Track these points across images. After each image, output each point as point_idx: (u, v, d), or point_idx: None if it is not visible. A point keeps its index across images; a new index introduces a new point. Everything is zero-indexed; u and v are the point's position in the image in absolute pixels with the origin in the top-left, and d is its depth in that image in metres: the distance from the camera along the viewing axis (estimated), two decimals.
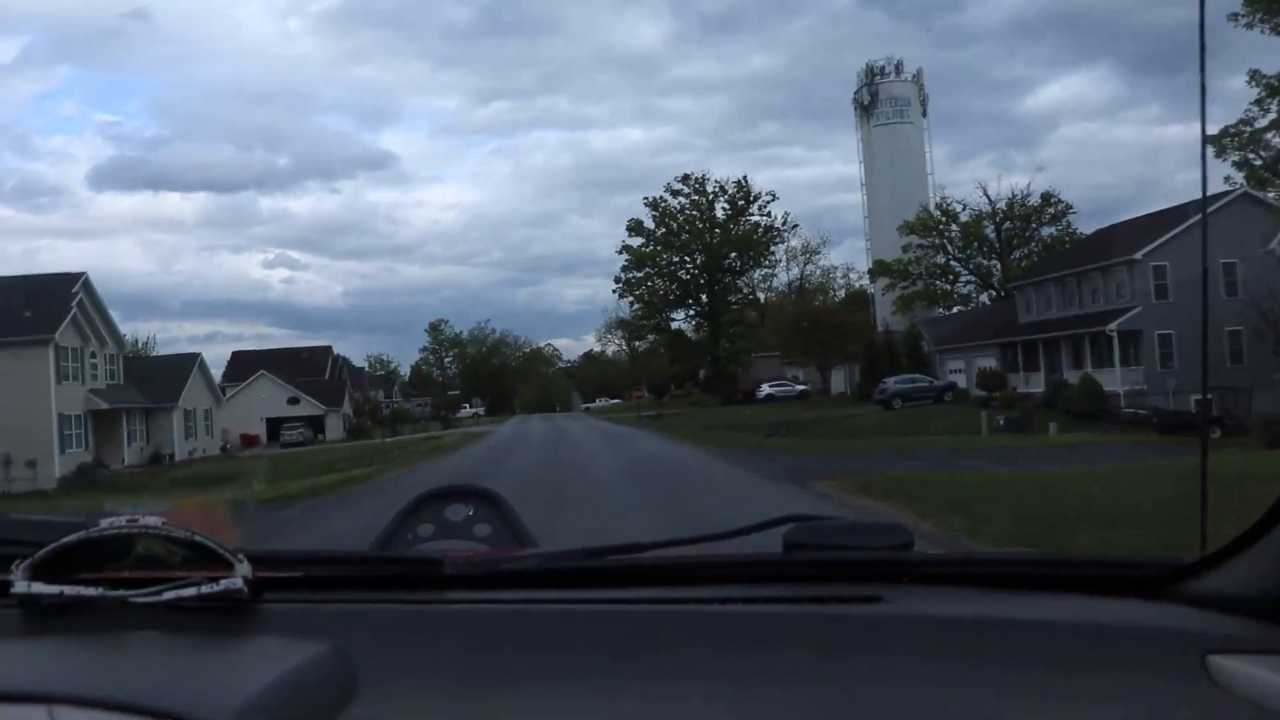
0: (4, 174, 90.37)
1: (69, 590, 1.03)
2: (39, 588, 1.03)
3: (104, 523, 1.06)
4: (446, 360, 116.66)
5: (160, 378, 47.68)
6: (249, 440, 66.28)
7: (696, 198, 76.87)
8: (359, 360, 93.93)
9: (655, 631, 1.03)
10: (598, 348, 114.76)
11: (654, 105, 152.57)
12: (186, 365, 50.50)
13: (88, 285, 42.11)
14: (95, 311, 42.52)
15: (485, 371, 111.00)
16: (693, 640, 1.01)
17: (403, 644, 1.01)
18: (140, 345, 77.57)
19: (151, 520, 1.06)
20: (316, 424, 70.18)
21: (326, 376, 77.81)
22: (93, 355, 42.12)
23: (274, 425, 67.96)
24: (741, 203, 76.48)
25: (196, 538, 1.05)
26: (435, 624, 1.07)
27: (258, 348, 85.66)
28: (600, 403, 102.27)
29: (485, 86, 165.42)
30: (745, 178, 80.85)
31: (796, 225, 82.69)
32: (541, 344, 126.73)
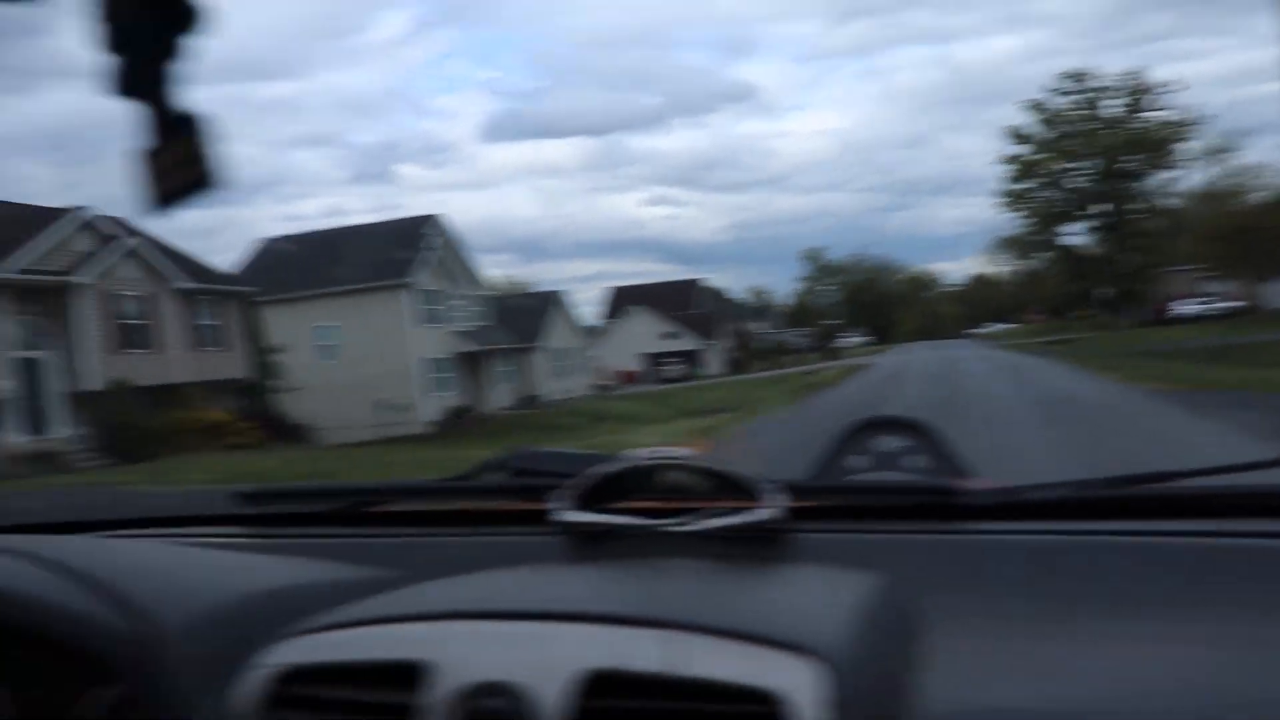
0: (408, 135, 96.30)
1: (604, 519, 1.05)
2: (579, 516, 1.05)
3: (638, 453, 1.07)
4: (826, 289, 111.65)
5: (524, 317, 46.12)
6: (627, 376, 64.92)
7: (1086, 94, 65.81)
8: (738, 292, 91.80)
9: (1207, 565, 0.95)
10: (983, 270, 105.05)
11: (1023, 9, 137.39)
12: (550, 303, 48.78)
13: (440, 227, 40.84)
14: (451, 252, 41.24)
15: (865, 299, 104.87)
16: (1243, 575, 0.92)
17: (951, 575, 0.98)
18: (512, 287, 78.71)
19: (681, 451, 1.08)
20: (694, 358, 67.60)
21: (697, 309, 75.22)
22: (453, 298, 40.88)
23: (652, 361, 66.14)
24: (1139, 97, 64.52)
25: (725, 469, 1.05)
26: (977, 555, 1.02)
27: (634, 283, 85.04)
28: (989, 327, 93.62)
29: (844, 7, 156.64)
30: (1139, 71, 68.46)
31: (1205, 119, 68.96)
32: (920, 269, 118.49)
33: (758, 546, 1.03)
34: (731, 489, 1.04)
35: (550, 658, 0.70)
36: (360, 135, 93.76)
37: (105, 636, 0.79)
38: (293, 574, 0.97)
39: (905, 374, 36.26)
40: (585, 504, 1.06)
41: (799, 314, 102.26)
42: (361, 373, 36.28)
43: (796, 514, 1.04)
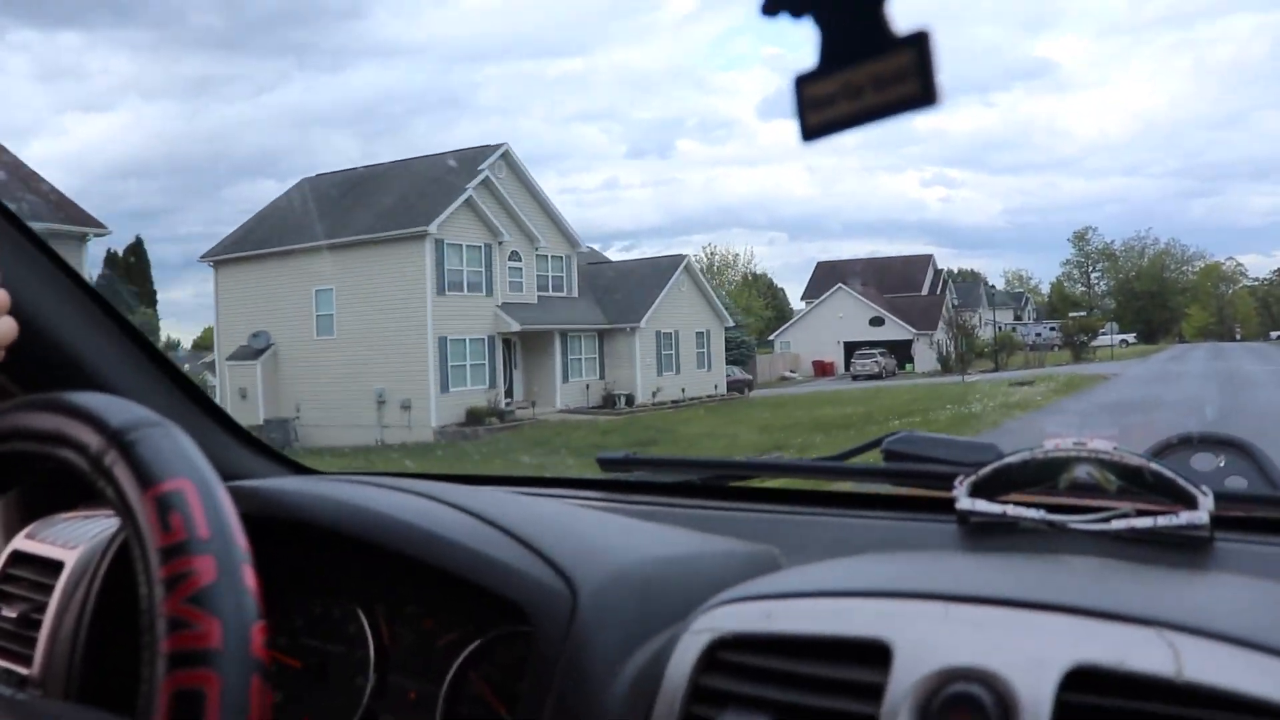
0: (688, 111, 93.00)
1: (1011, 510, 0.99)
2: (981, 505, 1.00)
3: (1048, 444, 1.00)
4: (1093, 275, 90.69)
5: (635, 291, 32.66)
6: (823, 368, 50.33)
7: None
8: (996, 279, 75.08)
9: None
10: None
11: None
12: (670, 271, 34.90)
13: (509, 160, 28.16)
14: (518, 195, 28.73)
15: (1141, 290, 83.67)
16: None
17: None
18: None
19: (1101, 444, 0.99)
20: (903, 350, 51.85)
21: (924, 291, 58.87)
22: (514, 257, 28.04)
23: (847, 352, 51.10)
24: None
25: (1153, 466, 0.97)
26: None
27: (844, 257, 69.76)
28: None
29: None
30: None
31: None
32: (1222, 259, 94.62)
33: (1173, 552, 0.93)
34: (1153, 489, 0.96)
35: (1033, 647, 0.64)
36: (641, 111, 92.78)
37: (521, 585, 0.77)
38: (685, 542, 0.92)
39: (1143, 401, 23.27)
40: (980, 493, 0.99)
41: (1057, 305, 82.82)
42: (359, 353, 24.44)
43: (1218, 522, 0.94)
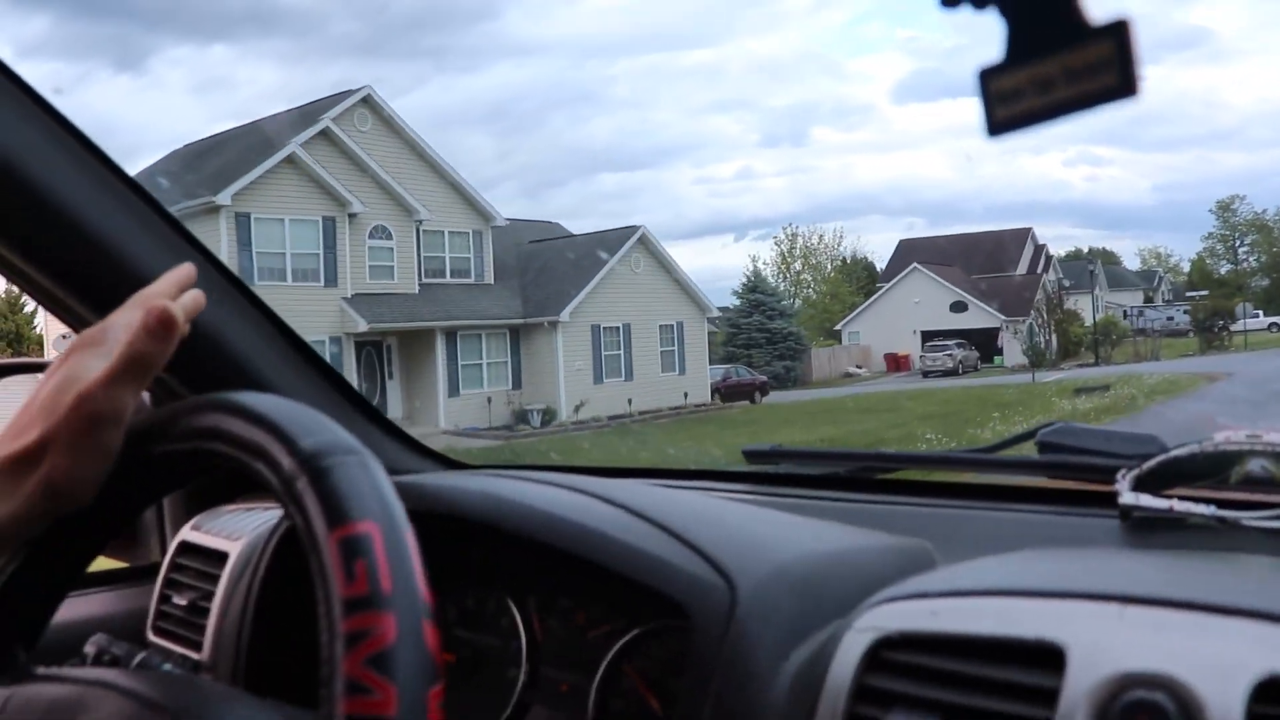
0: (821, 97, 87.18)
1: (1179, 506, 0.93)
2: (1146, 500, 0.95)
3: (1218, 436, 0.95)
4: (1240, 250, 76.85)
5: (564, 269, 24.71)
6: (896, 363, 41.39)
7: None
8: (1130, 258, 63.82)
9: None
10: None
11: None
12: (609, 247, 26.52)
13: (372, 105, 21.02)
14: (382, 150, 21.39)
15: None
16: None
17: None
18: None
19: (1277, 437, 0.94)
20: (987, 341, 42.26)
21: (1021, 270, 48.61)
22: (379, 234, 20.71)
23: (923, 343, 41.93)
24: None
25: None
26: None
27: (932, 234, 60.01)
28: None
29: None
30: None
31: None
32: None
33: None
34: None
35: (1219, 654, 0.60)
36: (773, 99, 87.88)
37: (680, 581, 0.76)
38: (839, 537, 0.88)
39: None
40: (1144, 487, 0.95)
41: (1197, 284, 69.91)
42: None
43: None
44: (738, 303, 42.70)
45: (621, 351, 25.24)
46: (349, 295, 20.92)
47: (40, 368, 1.26)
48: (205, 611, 1.06)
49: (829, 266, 58.25)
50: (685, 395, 26.06)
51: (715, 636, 0.71)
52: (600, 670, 0.87)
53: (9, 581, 0.63)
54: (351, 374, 20.72)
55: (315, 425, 0.56)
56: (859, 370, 42.92)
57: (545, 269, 25.18)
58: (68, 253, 0.98)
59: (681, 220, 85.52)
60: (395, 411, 21.96)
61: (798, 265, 58.52)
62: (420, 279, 22.85)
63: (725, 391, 28.62)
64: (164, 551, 1.25)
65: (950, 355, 39.13)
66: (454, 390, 22.31)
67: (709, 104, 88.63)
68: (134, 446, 0.63)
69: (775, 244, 59.39)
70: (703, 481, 1.23)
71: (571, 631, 0.92)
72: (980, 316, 43.26)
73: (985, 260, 48.94)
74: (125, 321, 0.64)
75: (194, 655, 1.05)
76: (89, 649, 0.83)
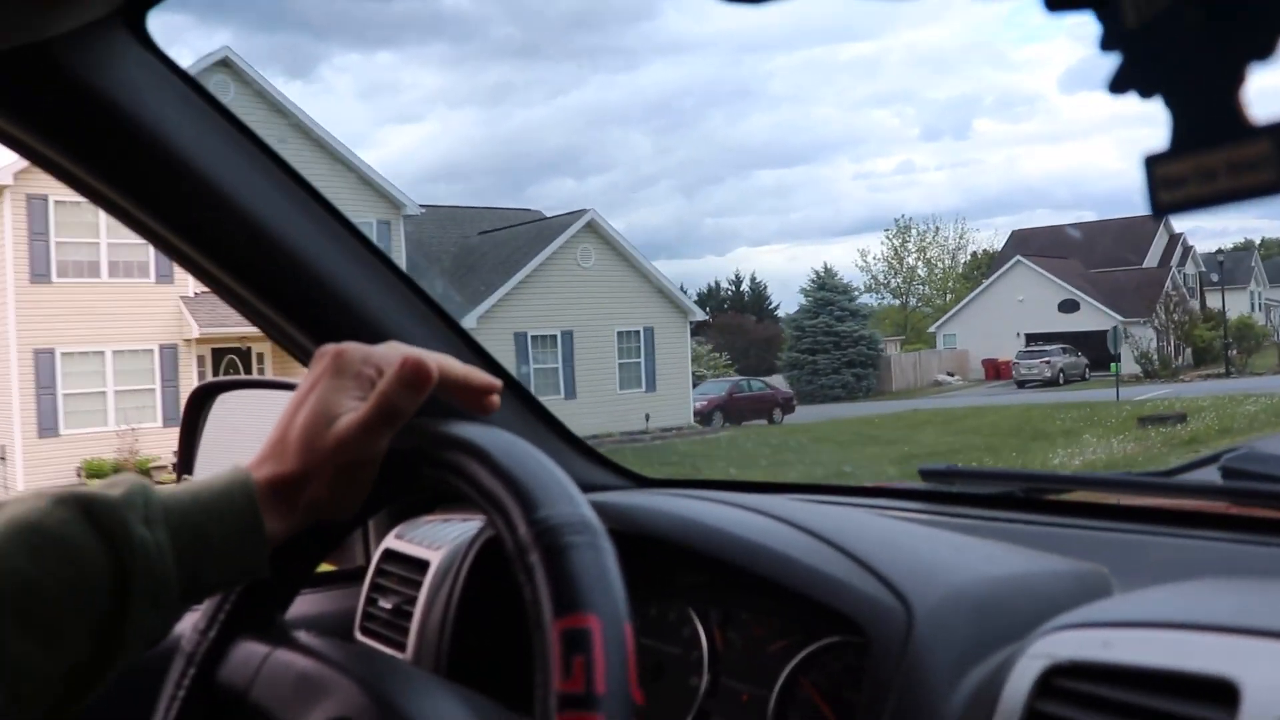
0: (985, 89, 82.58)
1: None
2: None
3: None
4: None
5: (492, 265, 20.29)
6: (996, 369, 35.46)
7: None
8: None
9: None
10: None
11: None
12: (545, 237, 21.69)
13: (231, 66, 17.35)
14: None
15: None
16: None
17: None
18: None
19: None
20: (1098, 346, 35.59)
21: (1152, 264, 41.03)
22: None
23: (1026, 346, 35.65)
24: None
25: None
26: None
27: (1042, 224, 52.27)
28: None
29: None
30: None
31: None
32: None
33: None
34: None
35: None
36: (935, 91, 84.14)
37: (857, 602, 0.78)
38: (1015, 560, 0.88)
39: None
40: None
41: None
42: None
43: None
44: (804, 302, 37.47)
45: (559, 364, 20.61)
46: (192, 294, 17.18)
47: (288, 386, 1.29)
48: (408, 615, 1.10)
49: (946, 262, 51.78)
50: (647, 418, 21.16)
51: (892, 657, 0.72)
52: (779, 682, 0.87)
53: (272, 558, 0.67)
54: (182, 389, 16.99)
55: (556, 493, 0.58)
56: (950, 378, 36.81)
57: (476, 265, 20.89)
58: (276, 272, 1.01)
59: (841, 217, 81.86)
60: None
61: (912, 259, 52.36)
62: None
63: (730, 410, 23.59)
64: (367, 557, 1.30)
65: (1048, 363, 32.61)
66: None
67: (868, 97, 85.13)
68: (387, 459, 0.67)
69: (887, 238, 53.08)
70: (877, 500, 1.20)
71: (750, 644, 0.93)
72: (1094, 317, 36.33)
73: (1109, 251, 41.51)
74: (376, 360, 0.68)
75: (398, 655, 1.08)
76: None
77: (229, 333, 16.99)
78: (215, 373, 18.01)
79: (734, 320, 43.03)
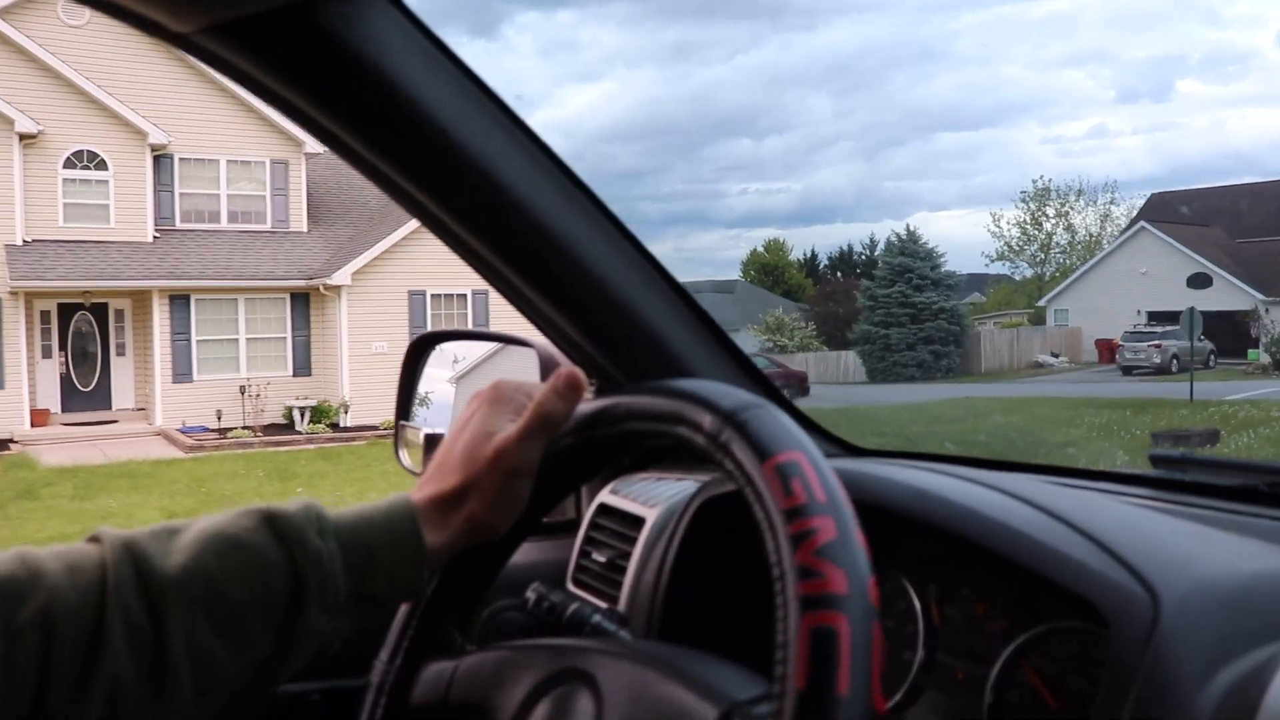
0: (1191, 47, 74.75)
1: None
2: None
3: None
4: None
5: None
6: (1111, 351, 30.74)
7: None
8: None
9: None
10: None
11: None
12: None
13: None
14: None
15: None
16: None
17: None
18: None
19: None
20: (1225, 328, 29.90)
21: None
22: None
23: (1159, 323, 30.31)
24: None
25: None
26: None
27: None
28: None
29: None
30: None
31: None
32: None
33: None
34: None
35: None
36: (1133, 51, 77.44)
37: (1099, 587, 0.74)
38: (1264, 556, 0.82)
39: None
40: None
41: None
42: None
43: None
44: (881, 270, 32.94)
45: (470, 329, 17.54)
46: (20, 242, 15.12)
47: (505, 339, 1.37)
48: (621, 569, 1.12)
49: (1094, 229, 45.44)
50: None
51: (1136, 647, 0.70)
52: (1000, 662, 0.85)
53: (445, 580, 0.73)
54: (21, 345, 14.97)
55: (726, 390, 0.64)
56: (1053, 359, 32.03)
57: (388, 213, 18.05)
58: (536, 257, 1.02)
59: (1025, 182, 75.02)
60: (123, 401, 15.98)
61: (1050, 224, 46.19)
62: (156, 224, 16.57)
63: None
64: (579, 510, 1.31)
65: (1158, 346, 27.19)
66: (184, 375, 15.93)
67: (1060, 57, 78.94)
68: (578, 433, 0.71)
69: (1022, 200, 47.13)
70: (1104, 483, 1.14)
71: (970, 621, 0.90)
72: (1230, 294, 30.38)
73: (1266, 218, 34.80)
74: (528, 390, 0.73)
75: (610, 606, 1.08)
76: (530, 594, 0.90)
77: (33, 287, 14.81)
78: (62, 332, 15.93)
79: (843, 287, 38.91)
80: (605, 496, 1.25)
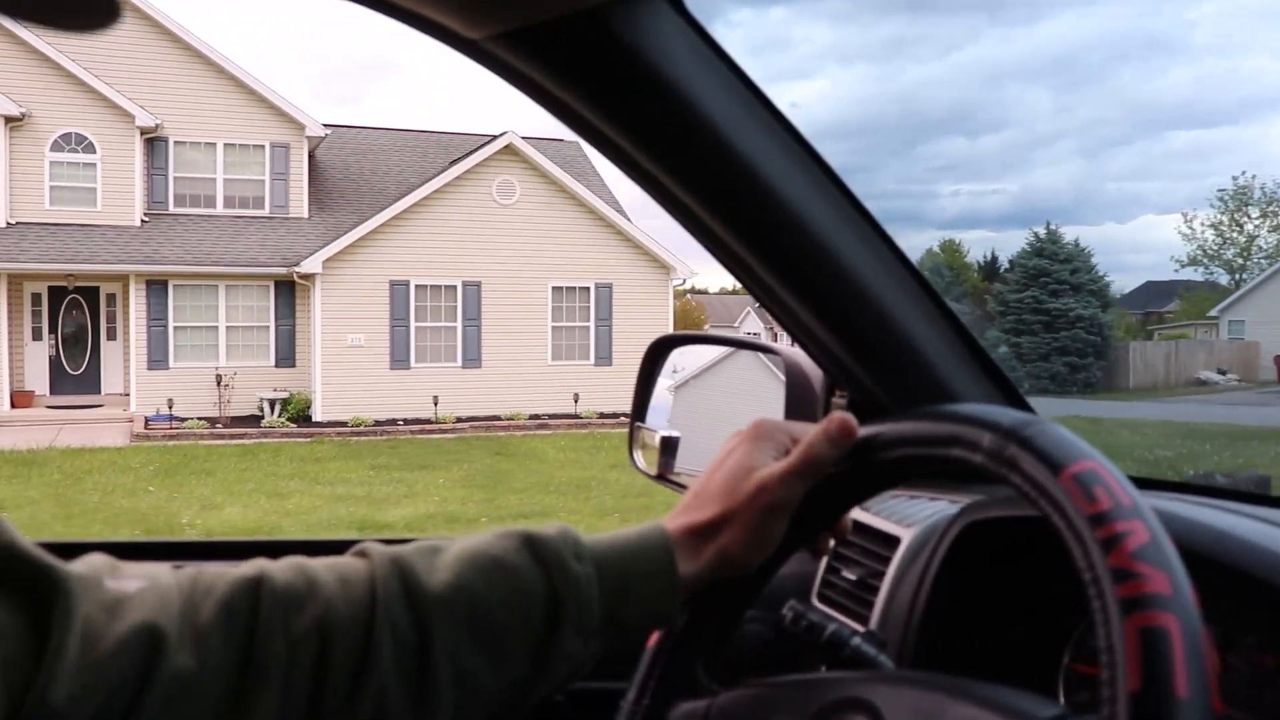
0: None
1: None
2: None
3: None
4: None
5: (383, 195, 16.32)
6: None
7: None
8: None
9: None
10: None
11: None
12: (441, 161, 16.80)
13: None
14: None
15: None
16: None
17: None
18: None
19: None
20: None
21: None
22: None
23: None
24: None
25: None
26: None
27: None
28: None
29: None
30: None
31: None
32: None
33: None
34: None
35: None
36: None
37: None
38: None
39: None
40: None
41: None
42: None
43: None
44: (1013, 273, 29.54)
45: (459, 323, 16.20)
46: (2, 224, 15.00)
47: (744, 344, 1.35)
48: (873, 588, 1.08)
49: None
50: (576, 399, 16.21)
51: None
52: None
53: (693, 617, 0.71)
54: (3, 327, 14.86)
55: (999, 411, 0.63)
56: (1219, 377, 28.06)
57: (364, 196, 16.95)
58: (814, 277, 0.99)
59: (1269, 185, 68.00)
60: (113, 386, 15.69)
61: (1253, 224, 40.61)
62: (150, 207, 16.13)
63: None
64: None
65: None
66: (160, 361, 15.40)
67: None
68: (858, 458, 0.69)
69: (1219, 199, 41.85)
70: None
71: (1255, 670, 0.85)
72: None
73: None
74: (789, 429, 0.72)
75: (859, 627, 1.04)
76: (787, 612, 0.89)
77: (37, 269, 14.56)
78: (52, 315, 15.74)
79: (982, 292, 35.68)
80: (856, 513, 1.15)
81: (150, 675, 0.53)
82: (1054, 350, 26.85)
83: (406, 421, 15.21)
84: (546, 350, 16.58)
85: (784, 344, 1.18)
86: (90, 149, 15.58)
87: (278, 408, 15.20)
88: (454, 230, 15.90)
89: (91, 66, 15.12)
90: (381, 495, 10.05)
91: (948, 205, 78.71)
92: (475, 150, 16.23)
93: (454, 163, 16.33)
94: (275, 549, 1.11)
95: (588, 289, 16.80)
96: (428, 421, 15.26)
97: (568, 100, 0.85)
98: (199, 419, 14.67)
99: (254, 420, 15.05)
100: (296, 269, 15.29)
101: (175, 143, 16.27)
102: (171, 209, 16.34)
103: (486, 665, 0.61)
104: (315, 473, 11.24)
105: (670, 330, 17.34)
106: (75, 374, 16.02)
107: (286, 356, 16.01)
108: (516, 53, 0.81)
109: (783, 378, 1.18)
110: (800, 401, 1.17)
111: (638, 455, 1.31)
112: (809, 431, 0.70)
